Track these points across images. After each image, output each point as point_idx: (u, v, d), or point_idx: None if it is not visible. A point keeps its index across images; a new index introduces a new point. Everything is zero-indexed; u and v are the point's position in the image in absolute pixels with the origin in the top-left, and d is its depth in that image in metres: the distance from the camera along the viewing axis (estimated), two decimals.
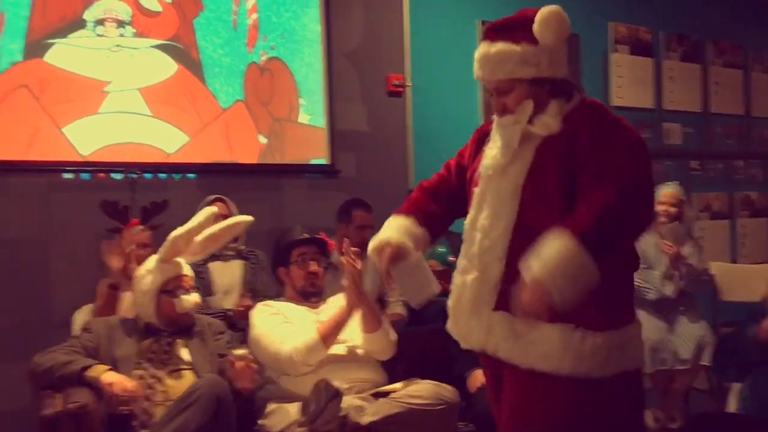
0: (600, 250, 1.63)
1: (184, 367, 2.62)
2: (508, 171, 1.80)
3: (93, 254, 3.33)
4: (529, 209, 1.77)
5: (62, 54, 3.57)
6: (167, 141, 3.84)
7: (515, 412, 1.80)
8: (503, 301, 1.76)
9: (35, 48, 3.51)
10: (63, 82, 3.57)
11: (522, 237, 1.73)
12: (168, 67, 3.86)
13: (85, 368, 2.46)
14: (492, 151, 1.84)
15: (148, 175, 3.75)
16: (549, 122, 1.78)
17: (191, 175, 3.93)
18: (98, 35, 3.67)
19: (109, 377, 2.42)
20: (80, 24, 3.62)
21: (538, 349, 1.73)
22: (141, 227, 3.23)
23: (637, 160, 1.73)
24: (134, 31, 3.77)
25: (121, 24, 3.73)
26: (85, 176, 3.65)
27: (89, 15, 3.65)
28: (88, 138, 3.63)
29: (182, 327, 2.72)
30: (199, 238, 2.77)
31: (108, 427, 2.40)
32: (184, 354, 2.65)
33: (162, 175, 3.85)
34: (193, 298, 2.73)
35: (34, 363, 2.54)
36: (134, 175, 3.68)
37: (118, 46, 3.72)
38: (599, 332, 1.73)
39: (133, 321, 2.73)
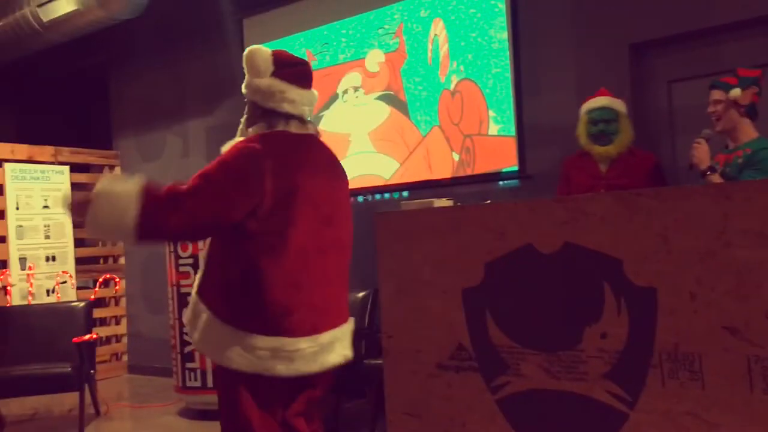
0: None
1: None
2: None
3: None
4: None
5: (327, 120, 5.29)
6: (385, 169, 4.98)
7: None
8: None
9: (315, 121, 5.35)
10: (328, 139, 5.23)
11: None
12: (384, 111, 4.99)
13: None
14: None
15: (377, 196, 5.02)
16: (238, 138, 2.19)
17: (405, 193, 4.90)
18: (344, 101, 5.20)
19: None
20: (335, 97, 5.25)
21: None
22: None
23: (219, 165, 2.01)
24: (363, 91, 5.10)
25: (356, 89, 5.14)
26: None
27: (339, 89, 5.23)
28: None
29: None
30: None
31: None
32: None
33: (386, 195, 5.00)
34: None
35: None
36: (369, 198, 5.05)
37: (354, 105, 5.15)
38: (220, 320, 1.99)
39: None
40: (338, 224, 2.21)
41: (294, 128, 2.17)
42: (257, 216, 1.99)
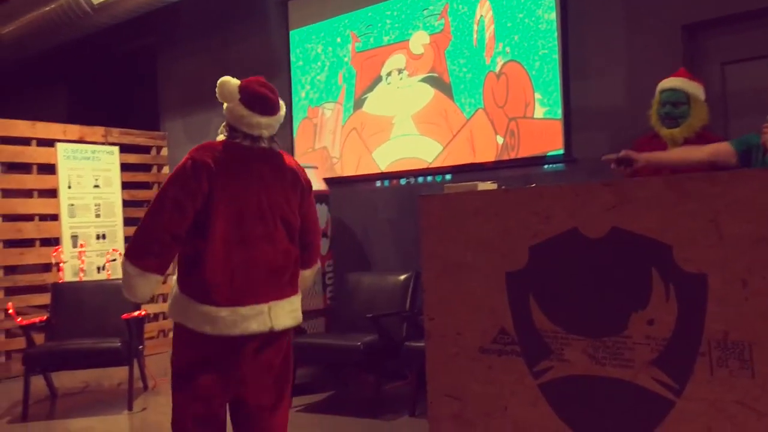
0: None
1: None
2: None
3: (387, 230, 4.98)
4: None
5: (371, 103, 5.28)
6: (428, 152, 4.96)
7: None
8: None
9: (358, 103, 5.37)
10: (372, 122, 5.28)
11: None
12: (427, 94, 4.96)
13: None
14: None
15: (419, 179, 5.02)
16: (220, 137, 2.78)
17: (448, 176, 4.88)
18: (387, 84, 5.18)
19: None
20: (379, 79, 5.24)
21: None
22: None
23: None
24: (407, 73, 5.08)
25: (400, 71, 5.12)
26: (386, 183, 5.24)
27: (383, 71, 5.22)
28: (384, 157, 5.20)
29: None
30: None
31: None
32: None
33: (429, 178, 4.99)
34: None
35: None
36: (412, 181, 5.05)
37: (398, 88, 5.13)
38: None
39: None
40: (272, 222, 2.61)
41: (247, 142, 2.67)
42: (199, 211, 2.53)
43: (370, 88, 5.28)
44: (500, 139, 4.60)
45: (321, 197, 4.92)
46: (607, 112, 4.19)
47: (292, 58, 5.73)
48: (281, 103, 2.78)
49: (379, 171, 5.22)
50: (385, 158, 5.19)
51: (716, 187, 1.81)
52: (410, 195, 5.03)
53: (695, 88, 3.28)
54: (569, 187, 2.08)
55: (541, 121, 4.43)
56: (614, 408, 1.96)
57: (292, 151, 5.73)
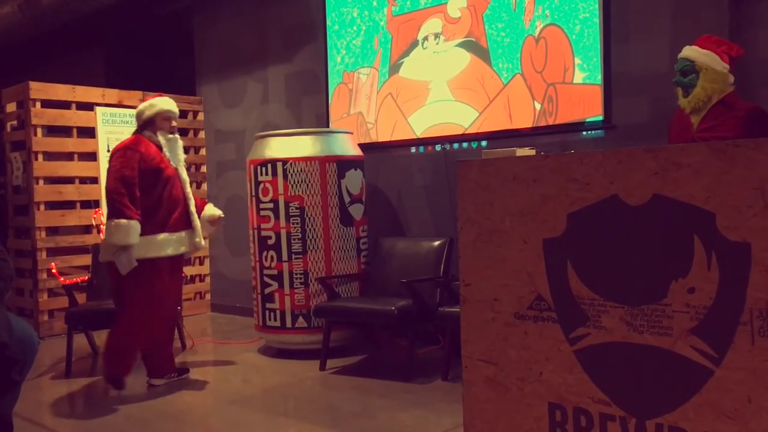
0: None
1: None
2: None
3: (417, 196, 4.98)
4: None
5: (406, 67, 5.24)
6: (464, 118, 4.91)
7: None
8: None
9: (394, 68, 5.32)
10: (408, 87, 5.24)
11: None
12: (464, 59, 4.90)
13: None
14: None
15: (455, 145, 4.99)
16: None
17: (484, 142, 4.84)
18: (424, 48, 5.13)
19: None
20: (415, 44, 5.18)
21: None
22: None
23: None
24: (443, 38, 5.01)
25: (436, 36, 5.06)
26: (421, 149, 5.22)
27: (419, 35, 5.16)
28: (420, 123, 5.17)
29: None
30: None
31: None
32: None
33: (464, 144, 4.95)
34: None
35: None
36: (447, 147, 5.02)
37: (434, 52, 5.07)
38: None
39: None
40: (175, 186, 4.11)
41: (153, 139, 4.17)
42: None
43: (406, 53, 5.23)
44: (538, 105, 4.54)
45: (356, 163, 4.93)
46: (649, 77, 4.10)
47: (328, 23, 5.69)
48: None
49: (415, 137, 5.20)
50: (421, 124, 5.16)
51: (763, 154, 1.76)
52: (445, 161, 5.01)
53: (705, 57, 3.24)
54: (610, 153, 2.05)
55: (580, 87, 4.35)
56: (651, 376, 1.95)
57: (327, 117, 5.73)
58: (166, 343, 4.27)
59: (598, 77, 4.26)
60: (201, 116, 6.89)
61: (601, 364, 2.06)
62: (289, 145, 4.78)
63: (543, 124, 4.52)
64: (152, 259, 3.97)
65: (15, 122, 6.11)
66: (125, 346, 4.06)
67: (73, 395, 4.20)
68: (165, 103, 4.19)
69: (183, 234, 4.13)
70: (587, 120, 4.34)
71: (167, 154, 4.11)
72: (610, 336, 2.03)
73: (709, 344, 1.85)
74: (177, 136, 4.24)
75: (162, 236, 4.01)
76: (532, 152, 2.56)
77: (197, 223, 4.19)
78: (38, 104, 5.81)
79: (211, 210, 4.33)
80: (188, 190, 4.19)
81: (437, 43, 5.06)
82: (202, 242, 4.24)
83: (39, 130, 5.84)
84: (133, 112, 6.34)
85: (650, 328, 1.95)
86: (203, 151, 6.92)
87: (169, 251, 4.04)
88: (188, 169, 6.78)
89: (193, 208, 4.18)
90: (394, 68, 5.31)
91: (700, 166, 1.86)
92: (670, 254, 1.91)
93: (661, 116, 3.91)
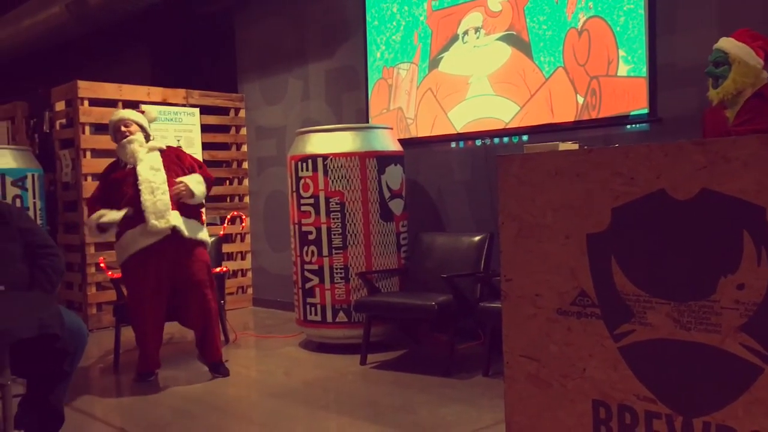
0: None
1: None
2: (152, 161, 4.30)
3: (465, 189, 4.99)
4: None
5: (446, 62, 5.22)
6: (505, 112, 4.88)
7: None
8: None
9: (434, 63, 5.30)
10: (447, 82, 5.22)
11: None
12: (504, 53, 4.86)
13: None
14: None
15: (495, 140, 4.96)
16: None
17: (525, 137, 4.80)
18: (464, 43, 5.10)
19: None
20: (455, 38, 5.16)
21: None
22: None
23: None
24: (484, 32, 4.98)
25: (477, 30, 5.03)
26: (461, 144, 5.20)
27: (460, 29, 5.13)
28: (460, 118, 5.15)
29: None
30: None
31: None
32: None
33: (505, 139, 4.92)
34: None
35: None
36: (487, 141, 5.00)
37: (475, 47, 5.04)
38: None
39: None
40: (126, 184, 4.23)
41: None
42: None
43: (446, 48, 5.21)
44: (580, 99, 4.48)
45: (395, 158, 4.93)
46: (696, 69, 4.00)
47: (368, 18, 5.70)
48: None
49: (455, 132, 5.18)
50: (461, 119, 5.14)
51: None
52: (485, 156, 4.98)
53: (739, 49, 3.19)
54: (657, 146, 2.01)
55: (624, 79, 4.28)
56: (698, 373, 1.92)
57: (366, 113, 5.74)
58: (152, 340, 4.26)
59: (643, 70, 4.18)
60: (243, 113, 6.98)
61: (647, 360, 2.03)
62: (329, 141, 4.81)
63: (586, 117, 4.46)
64: (125, 260, 4.25)
65: (64, 120, 6.27)
66: (137, 343, 4.34)
67: (121, 387, 4.31)
68: (113, 116, 4.47)
69: (142, 226, 4.13)
70: (632, 113, 4.26)
71: (122, 159, 4.31)
72: (656, 332, 2.00)
73: (759, 342, 1.81)
74: (130, 137, 4.28)
75: (128, 234, 4.19)
76: (575, 146, 2.53)
77: (148, 209, 4.09)
78: (86, 102, 5.96)
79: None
80: (143, 179, 4.15)
81: (478, 37, 5.03)
82: (156, 224, 4.10)
83: (87, 128, 5.99)
84: (177, 110, 6.52)
85: (698, 324, 1.91)
86: (245, 148, 7.01)
87: (137, 247, 4.15)
88: (229, 165, 6.90)
89: (146, 196, 4.11)
90: (434, 63, 5.29)
91: (750, 159, 1.81)
92: (718, 250, 1.87)
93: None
